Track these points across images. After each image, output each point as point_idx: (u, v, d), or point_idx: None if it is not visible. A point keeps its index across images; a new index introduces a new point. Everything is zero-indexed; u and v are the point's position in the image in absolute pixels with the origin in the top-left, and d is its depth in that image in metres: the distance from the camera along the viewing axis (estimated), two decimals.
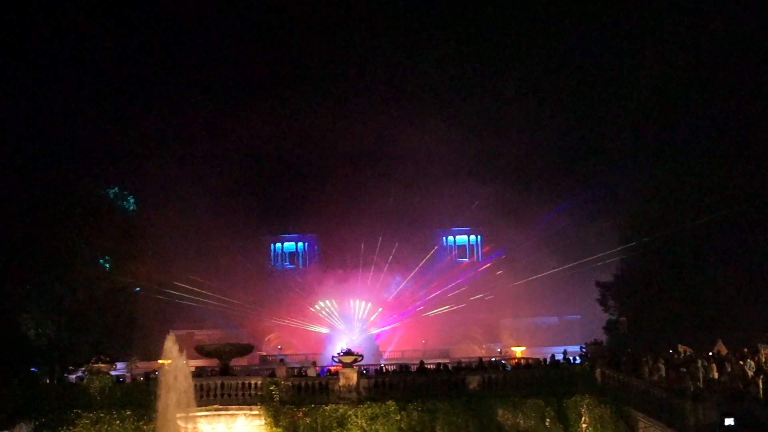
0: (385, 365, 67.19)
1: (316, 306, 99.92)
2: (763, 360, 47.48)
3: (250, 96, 78.61)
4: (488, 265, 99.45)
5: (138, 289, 78.35)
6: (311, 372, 54.51)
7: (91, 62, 70.32)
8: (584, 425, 44.93)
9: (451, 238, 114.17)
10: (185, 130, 78.29)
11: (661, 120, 74.98)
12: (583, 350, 52.65)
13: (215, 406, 46.26)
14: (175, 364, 44.97)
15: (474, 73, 78.81)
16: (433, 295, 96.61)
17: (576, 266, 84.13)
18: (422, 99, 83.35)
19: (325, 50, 75.51)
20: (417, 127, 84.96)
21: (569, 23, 72.10)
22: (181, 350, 43.40)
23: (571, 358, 55.59)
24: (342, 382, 47.42)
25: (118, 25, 70.52)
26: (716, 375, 45.52)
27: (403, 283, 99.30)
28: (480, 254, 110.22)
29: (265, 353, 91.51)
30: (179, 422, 42.87)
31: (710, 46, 70.99)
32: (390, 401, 45.92)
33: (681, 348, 54.26)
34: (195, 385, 45.12)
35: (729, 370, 45.93)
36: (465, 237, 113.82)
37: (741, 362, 47.34)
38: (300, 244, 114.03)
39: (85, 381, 48.41)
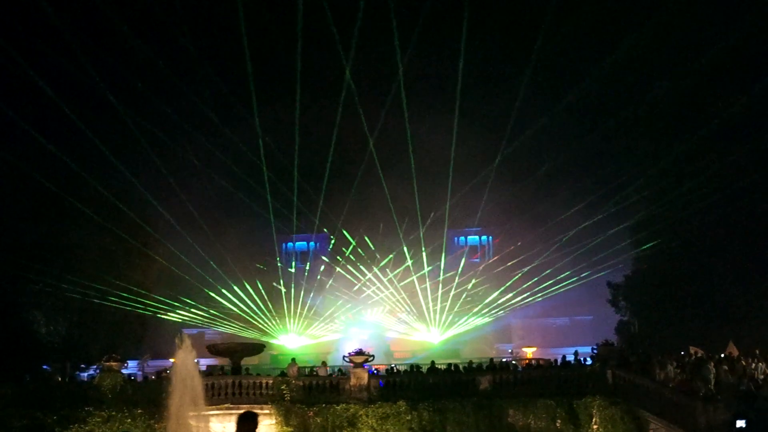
0: (395, 365, 67.16)
1: (327, 306, 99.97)
2: None
3: (261, 93, 78.63)
4: (496, 258, 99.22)
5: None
6: (322, 371, 54.61)
7: (101, 59, 70.29)
8: (595, 426, 44.91)
9: (462, 238, 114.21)
10: (196, 127, 78.27)
11: (674, 119, 74.82)
12: (594, 351, 52.59)
13: (226, 405, 46.38)
14: (186, 363, 45.09)
15: (488, 72, 78.72)
16: (445, 294, 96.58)
17: (587, 267, 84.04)
18: (435, 98, 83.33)
19: (336, 47, 75.37)
20: (429, 126, 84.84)
21: (584, 22, 71.85)
22: (192, 349, 43.46)
23: (582, 358, 55.60)
24: (353, 381, 47.53)
25: (126, 22, 70.52)
26: (728, 376, 45.41)
27: (414, 282, 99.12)
28: (491, 254, 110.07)
29: (276, 352, 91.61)
30: (190, 421, 42.95)
31: (723, 46, 70.73)
32: (401, 401, 45.96)
33: (692, 349, 54.17)
34: (206, 384, 45.26)
35: (740, 371, 45.82)
36: (476, 237, 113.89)
37: (753, 363, 47.24)
38: (311, 243, 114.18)
39: (96, 379, 48.56)
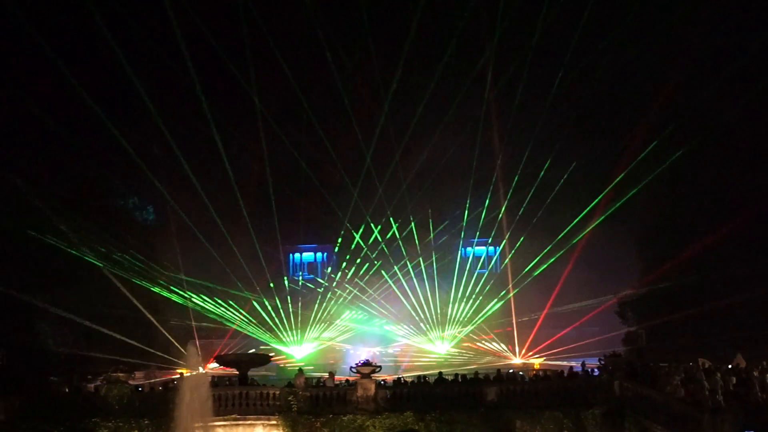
0: (403, 376, 67.02)
1: (334, 317, 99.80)
2: None
3: (268, 106, 78.83)
4: (504, 270, 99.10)
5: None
6: (329, 382, 54.53)
7: (113, 71, 70.73)
8: None
9: (469, 249, 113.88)
10: (205, 139, 78.49)
11: (681, 130, 74.69)
12: (602, 362, 52.50)
13: (233, 416, 46.42)
14: (194, 374, 45.24)
15: (495, 83, 78.83)
16: (453, 305, 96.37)
17: (595, 277, 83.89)
18: (443, 110, 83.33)
19: (342, 61, 75.61)
20: (436, 138, 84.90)
21: (590, 36, 72.12)
22: (200, 360, 43.60)
23: (589, 369, 55.48)
24: (360, 392, 47.52)
25: (139, 34, 70.93)
26: (735, 388, 45.32)
27: (422, 294, 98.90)
28: (498, 265, 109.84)
29: (283, 363, 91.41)
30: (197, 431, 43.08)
31: (733, 51, 70.66)
32: (408, 412, 46.04)
33: (700, 360, 54.00)
34: (213, 395, 45.35)
35: (749, 382, 45.71)
36: (483, 248, 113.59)
37: (761, 375, 47.12)
38: (318, 254, 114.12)
39: (103, 390, 48.59)
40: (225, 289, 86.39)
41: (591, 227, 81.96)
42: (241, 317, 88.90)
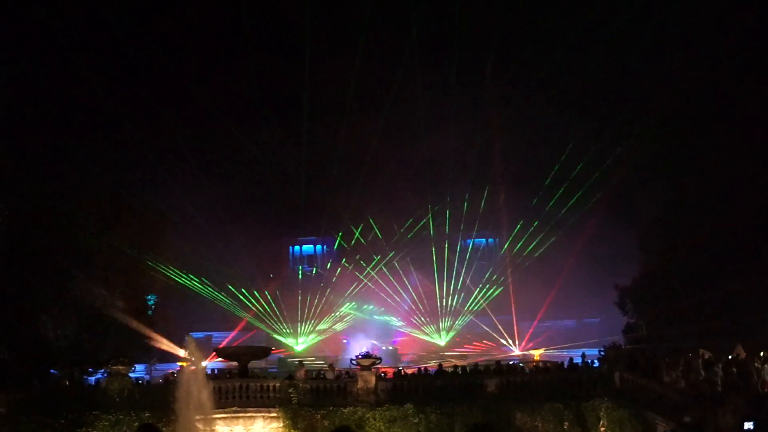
0: (403, 368, 67.07)
1: (334, 309, 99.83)
2: None
3: (270, 99, 78.94)
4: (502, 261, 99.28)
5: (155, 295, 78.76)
6: (329, 375, 54.58)
7: (115, 65, 70.89)
8: (602, 428, 44.89)
9: (469, 240, 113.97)
10: (206, 131, 78.66)
11: (684, 123, 74.63)
12: (602, 353, 52.49)
13: (233, 408, 46.44)
14: (194, 367, 45.24)
15: (494, 77, 78.98)
16: (452, 296, 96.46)
17: (595, 269, 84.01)
18: (442, 103, 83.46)
19: (343, 56, 75.66)
20: (436, 131, 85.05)
21: (591, 29, 72.13)
22: (200, 352, 43.58)
23: (589, 361, 55.48)
24: (360, 384, 47.54)
25: (145, 31, 71.24)
26: (736, 379, 45.29)
27: (421, 286, 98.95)
28: (498, 257, 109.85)
29: (283, 356, 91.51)
30: (198, 424, 43.08)
31: (736, 49, 70.55)
32: (408, 404, 46.04)
33: (701, 352, 54.02)
34: (213, 388, 45.35)
35: (749, 373, 45.70)
36: (483, 240, 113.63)
37: (761, 366, 47.12)
38: (319, 246, 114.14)
39: (104, 383, 48.67)
40: (229, 268, 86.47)
41: (587, 208, 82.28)
42: (244, 304, 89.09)
